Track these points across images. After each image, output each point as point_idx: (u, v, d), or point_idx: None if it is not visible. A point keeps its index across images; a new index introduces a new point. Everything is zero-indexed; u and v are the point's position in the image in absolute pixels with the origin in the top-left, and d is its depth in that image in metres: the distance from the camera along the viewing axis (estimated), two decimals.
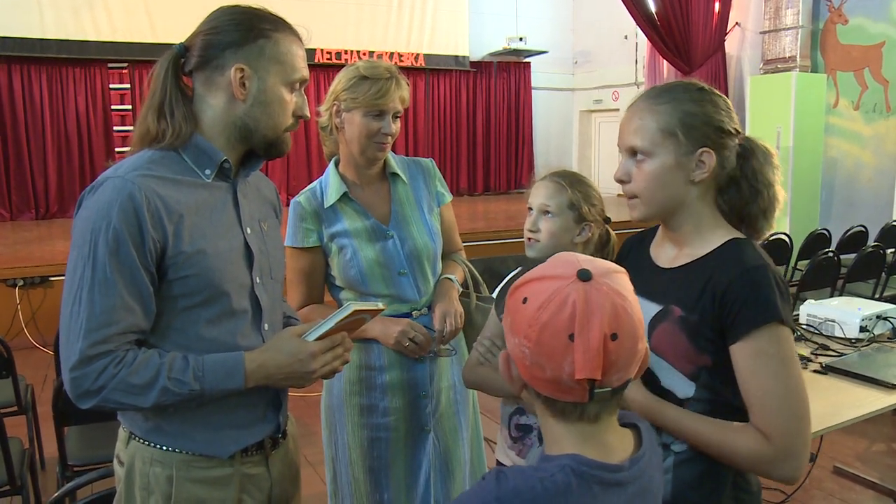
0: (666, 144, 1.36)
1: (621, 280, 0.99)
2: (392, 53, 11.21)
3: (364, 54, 10.85)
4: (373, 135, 1.97)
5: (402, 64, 11.21)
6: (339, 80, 2.01)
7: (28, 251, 6.95)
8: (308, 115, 1.53)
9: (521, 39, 11.81)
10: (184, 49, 1.44)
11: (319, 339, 1.44)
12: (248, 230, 1.49)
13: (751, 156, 1.40)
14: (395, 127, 2.01)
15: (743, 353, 1.27)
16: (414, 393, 2.08)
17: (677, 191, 1.38)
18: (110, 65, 9.76)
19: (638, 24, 9.82)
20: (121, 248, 1.29)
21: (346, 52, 10.77)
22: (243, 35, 1.41)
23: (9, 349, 3.15)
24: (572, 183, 1.80)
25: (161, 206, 1.33)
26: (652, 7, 9.56)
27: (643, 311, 1.45)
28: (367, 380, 2.08)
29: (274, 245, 1.60)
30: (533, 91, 12.82)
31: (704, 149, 1.35)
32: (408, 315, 2.06)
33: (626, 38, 11.59)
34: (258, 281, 1.50)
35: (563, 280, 0.96)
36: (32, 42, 9.19)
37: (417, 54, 11.51)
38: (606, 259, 1.93)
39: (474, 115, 12.45)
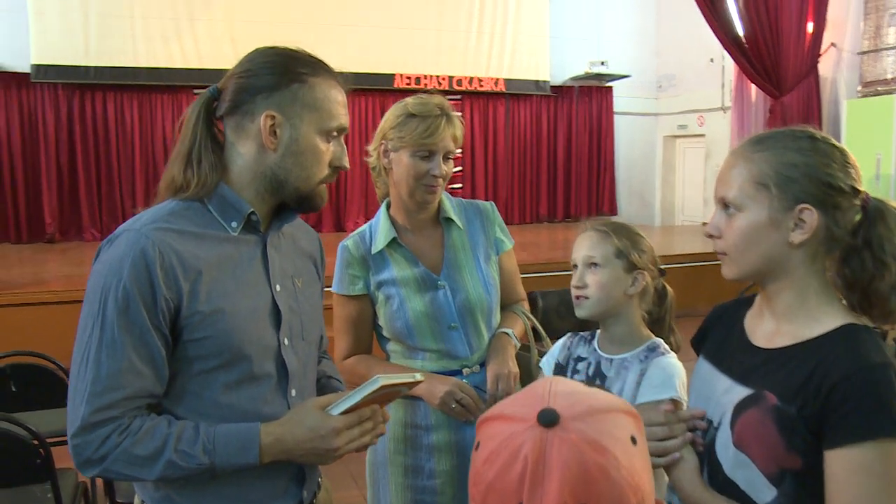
0: (758, 198, 1.18)
1: (611, 424, 0.71)
2: (472, 78, 11.18)
3: (444, 79, 10.89)
4: (421, 176, 1.84)
5: (481, 89, 11.22)
6: (387, 118, 1.90)
7: None
8: (347, 165, 1.41)
9: (602, 63, 11.61)
10: (217, 92, 1.36)
11: (346, 412, 1.31)
12: (278, 287, 1.39)
13: (877, 220, 1.18)
14: (447, 168, 1.87)
15: (841, 464, 1.07)
16: (463, 456, 1.92)
17: (772, 253, 1.19)
18: (196, 90, 10.01)
19: (724, 47, 9.49)
20: (130, 308, 1.21)
21: (425, 77, 10.80)
22: (276, 79, 1.32)
23: (68, 374, 3.14)
24: (616, 230, 1.66)
25: (176, 262, 1.25)
26: (739, 29, 9.22)
27: (729, 393, 1.24)
28: (412, 439, 1.93)
29: (309, 303, 1.48)
30: (615, 116, 12.56)
31: (804, 205, 1.15)
32: (457, 373, 1.91)
33: (712, 60, 11.26)
34: (286, 343, 1.39)
35: (521, 423, 0.71)
36: (125, 70, 9.57)
37: (497, 79, 11.42)
38: (665, 318, 1.76)
39: (555, 140, 12.26)
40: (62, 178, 9.66)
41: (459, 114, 1.93)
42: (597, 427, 0.70)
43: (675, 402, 1.53)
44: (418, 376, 1.40)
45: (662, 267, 1.72)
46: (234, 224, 1.34)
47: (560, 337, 1.84)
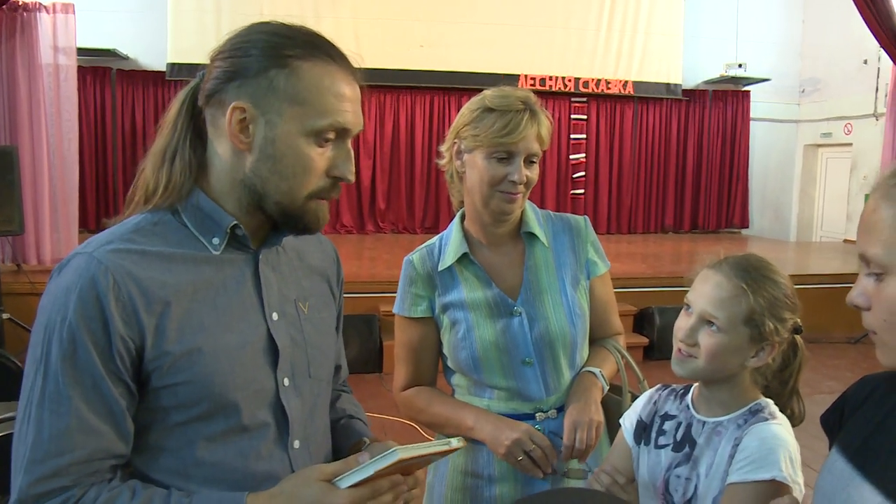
0: None
1: None
2: (599, 80, 10.76)
3: (569, 81, 10.57)
4: (497, 182, 1.57)
5: (608, 91, 10.81)
6: (462, 113, 1.63)
7: None
8: (350, 176, 1.12)
9: (740, 66, 10.95)
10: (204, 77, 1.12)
11: (357, 486, 1.03)
12: (275, 315, 1.15)
13: None
14: (530, 173, 1.59)
15: None
16: None
17: None
18: None
19: (882, 45, 8.69)
20: (78, 352, 0.98)
21: (550, 78, 10.49)
22: (253, 63, 1.06)
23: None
24: (757, 284, 1.26)
25: (137, 293, 1.01)
26: None
27: None
28: (472, 490, 1.65)
29: (318, 332, 1.23)
30: (751, 122, 11.82)
31: None
32: (530, 418, 1.61)
33: (865, 62, 10.39)
34: (286, 383, 1.15)
35: None
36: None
37: (626, 81, 10.93)
38: (790, 381, 1.33)
39: (685, 147, 11.65)
40: None
41: (547, 111, 1.63)
42: None
43: (780, 485, 1.17)
44: (454, 443, 1.10)
45: (799, 323, 1.32)
46: (215, 240, 1.10)
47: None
